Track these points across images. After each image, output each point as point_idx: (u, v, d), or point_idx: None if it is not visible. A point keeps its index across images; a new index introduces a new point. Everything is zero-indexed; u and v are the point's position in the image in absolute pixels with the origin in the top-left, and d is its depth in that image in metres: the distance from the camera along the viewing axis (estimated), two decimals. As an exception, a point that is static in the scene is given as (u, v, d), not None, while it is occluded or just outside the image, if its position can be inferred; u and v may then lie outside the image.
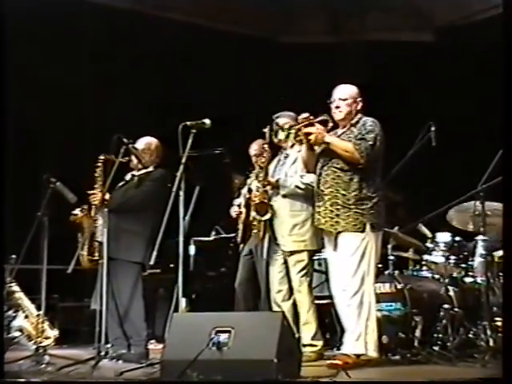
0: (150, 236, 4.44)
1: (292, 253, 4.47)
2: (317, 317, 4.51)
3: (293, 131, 4.01)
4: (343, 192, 4.00)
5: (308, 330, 4.45)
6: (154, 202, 4.47)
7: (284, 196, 4.50)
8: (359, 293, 3.93)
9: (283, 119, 4.60)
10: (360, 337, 3.92)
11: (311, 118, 4.04)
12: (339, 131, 4.16)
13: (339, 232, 4.01)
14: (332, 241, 4.07)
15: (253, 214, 4.47)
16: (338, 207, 4.00)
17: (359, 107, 4.13)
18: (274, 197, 4.49)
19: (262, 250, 4.58)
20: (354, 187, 3.99)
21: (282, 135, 4.08)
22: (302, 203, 4.48)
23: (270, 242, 4.50)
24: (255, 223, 4.48)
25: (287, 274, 4.51)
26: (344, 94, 4.12)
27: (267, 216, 4.41)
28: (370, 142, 3.98)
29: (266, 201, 4.42)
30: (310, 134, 3.98)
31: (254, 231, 4.50)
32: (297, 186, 4.46)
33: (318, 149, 4.14)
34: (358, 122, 4.10)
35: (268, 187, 4.45)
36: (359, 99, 4.14)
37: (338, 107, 4.11)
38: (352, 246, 3.98)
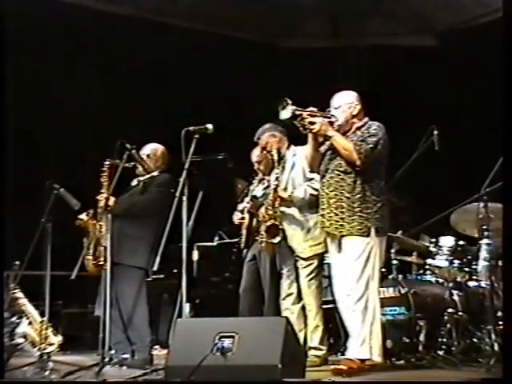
0: (154, 242, 4.44)
1: (307, 258, 4.49)
2: (323, 321, 4.52)
3: (298, 113, 3.97)
4: (347, 195, 3.99)
5: (317, 333, 4.47)
6: (159, 208, 4.47)
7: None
8: (364, 298, 3.92)
9: (265, 134, 4.65)
10: (364, 342, 3.90)
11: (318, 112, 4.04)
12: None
13: (343, 235, 4.00)
14: (336, 244, 4.06)
15: (263, 232, 4.46)
16: (343, 210, 3.99)
17: (356, 112, 4.12)
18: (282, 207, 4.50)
19: (266, 256, 4.61)
20: (358, 190, 3.98)
21: (286, 114, 4.01)
22: (310, 207, 4.49)
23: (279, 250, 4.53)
24: (263, 240, 4.47)
25: (296, 277, 4.53)
26: (337, 102, 4.14)
27: (277, 239, 4.41)
28: (371, 145, 3.98)
29: (277, 223, 4.42)
30: (314, 123, 3.98)
31: (266, 251, 4.51)
32: (311, 194, 4.48)
33: (322, 149, 4.14)
34: (363, 126, 4.10)
35: (280, 203, 4.45)
36: (355, 103, 4.13)
37: (332, 115, 4.12)
38: (357, 251, 3.96)
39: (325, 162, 4.13)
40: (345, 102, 4.13)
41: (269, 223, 4.42)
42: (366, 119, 4.14)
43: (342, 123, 4.10)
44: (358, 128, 4.10)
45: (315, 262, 4.51)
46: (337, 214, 4.01)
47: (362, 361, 3.91)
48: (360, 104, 4.15)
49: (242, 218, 4.72)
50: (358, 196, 3.98)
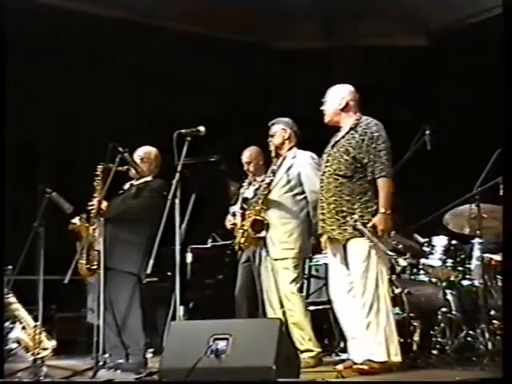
0: (147, 247, 4.42)
1: (277, 260, 4.49)
2: (310, 322, 4.49)
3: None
4: (347, 198, 3.94)
5: (299, 335, 4.43)
6: (152, 213, 4.43)
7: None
8: (375, 299, 3.86)
9: (278, 125, 4.63)
10: (381, 344, 3.84)
11: None
12: (339, 135, 4.11)
13: (348, 239, 3.93)
14: (339, 248, 3.99)
15: (247, 225, 4.49)
16: (344, 214, 3.93)
17: (343, 105, 4.08)
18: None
19: (259, 256, 4.61)
20: (358, 192, 3.93)
21: None
22: (291, 212, 4.51)
23: (262, 249, 4.55)
24: (245, 234, 4.51)
25: (275, 281, 4.50)
26: (326, 95, 4.14)
27: (262, 233, 4.44)
28: (388, 161, 3.94)
29: (261, 218, 4.45)
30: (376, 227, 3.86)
31: (245, 243, 4.55)
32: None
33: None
34: (357, 125, 4.04)
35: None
36: (344, 97, 4.09)
37: (323, 110, 4.14)
38: (362, 253, 3.89)
39: (322, 166, 4.11)
40: (333, 95, 4.12)
41: (254, 218, 4.43)
42: (358, 115, 4.09)
43: (331, 117, 4.11)
44: (352, 128, 4.03)
45: (290, 267, 4.48)
46: (338, 220, 3.95)
47: (382, 362, 3.85)
48: (351, 98, 4.10)
49: (234, 224, 4.72)
50: (358, 198, 3.93)
